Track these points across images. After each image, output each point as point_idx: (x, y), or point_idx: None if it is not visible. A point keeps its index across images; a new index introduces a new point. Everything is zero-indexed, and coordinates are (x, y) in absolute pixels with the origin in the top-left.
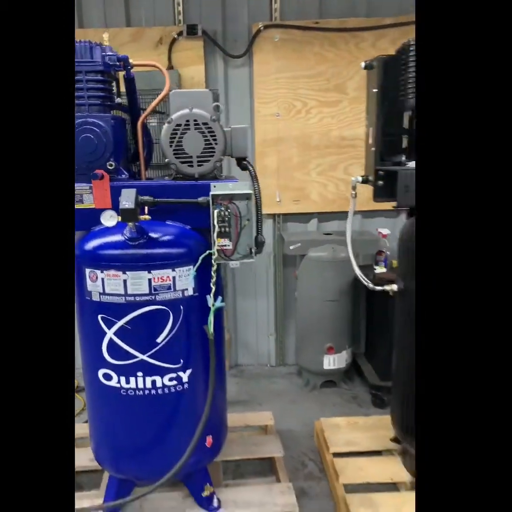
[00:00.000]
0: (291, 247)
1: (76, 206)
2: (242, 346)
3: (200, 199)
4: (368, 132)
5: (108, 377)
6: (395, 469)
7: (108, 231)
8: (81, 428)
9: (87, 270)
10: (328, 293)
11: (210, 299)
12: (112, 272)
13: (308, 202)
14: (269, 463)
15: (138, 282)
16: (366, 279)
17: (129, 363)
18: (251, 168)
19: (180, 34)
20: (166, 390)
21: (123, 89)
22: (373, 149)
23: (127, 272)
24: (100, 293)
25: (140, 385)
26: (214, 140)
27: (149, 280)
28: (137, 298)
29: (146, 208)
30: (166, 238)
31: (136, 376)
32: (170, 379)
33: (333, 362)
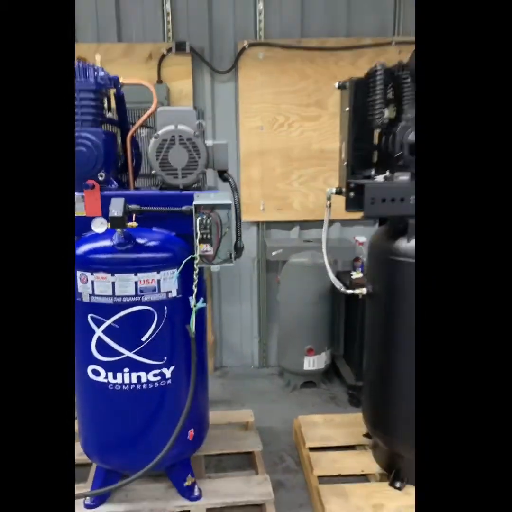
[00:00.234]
0: (273, 253)
1: None
2: (227, 348)
3: (184, 208)
4: (341, 147)
5: (96, 373)
6: (367, 462)
7: (98, 237)
8: None
9: (78, 273)
10: (308, 297)
11: (192, 300)
12: (101, 274)
13: (290, 211)
14: (249, 458)
15: (125, 284)
16: (338, 283)
17: (116, 360)
18: (231, 180)
19: (169, 50)
20: (151, 385)
21: (113, 104)
22: (345, 163)
23: (115, 275)
24: (90, 294)
25: (126, 381)
26: (197, 154)
27: (136, 282)
28: (124, 299)
29: (133, 215)
30: (151, 243)
31: (122, 372)
32: (155, 375)
33: (313, 363)
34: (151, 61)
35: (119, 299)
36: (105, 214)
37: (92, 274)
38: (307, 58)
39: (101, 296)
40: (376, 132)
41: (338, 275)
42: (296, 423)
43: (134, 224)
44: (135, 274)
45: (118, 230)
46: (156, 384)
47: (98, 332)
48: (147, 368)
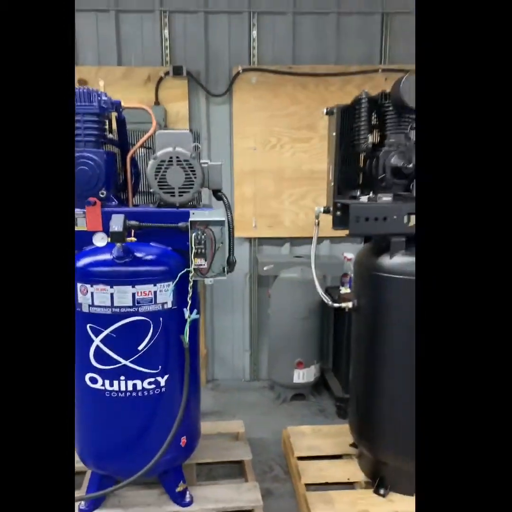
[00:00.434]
0: (265, 268)
1: None
2: (219, 361)
3: (180, 224)
4: (329, 169)
5: (94, 380)
6: (353, 471)
7: (98, 250)
8: None
9: (79, 285)
10: (298, 311)
11: (186, 311)
12: (101, 286)
13: (281, 228)
14: (239, 467)
15: (123, 295)
16: (325, 296)
17: (113, 368)
18: (225, 199)
19: (166, 73)
20: (146, 393)
21: (114, 125)
22: (332, 184)
23: (114, 287)
24: (89, 305)
25: (123, 388)
26: (194, 174)
27: (133, 294)
28: (122, 310)
29: (132, 231)
30: (149, 257)
31: (119, 380)
32: (149, 383)
33: (302, 376)
34: (149, 83)
35: (117, 310)
36: (105, 229)
37: (92, 286)
38: (299, 83)
39: (100, 306)
40: (361, 156)
41: (327, 290)
42: (285, 433)
43: (133, 239)
44: (133, 286)
45: (118, 244)
46: (151, 392)
47: (97, 341)
48: (143, 376)
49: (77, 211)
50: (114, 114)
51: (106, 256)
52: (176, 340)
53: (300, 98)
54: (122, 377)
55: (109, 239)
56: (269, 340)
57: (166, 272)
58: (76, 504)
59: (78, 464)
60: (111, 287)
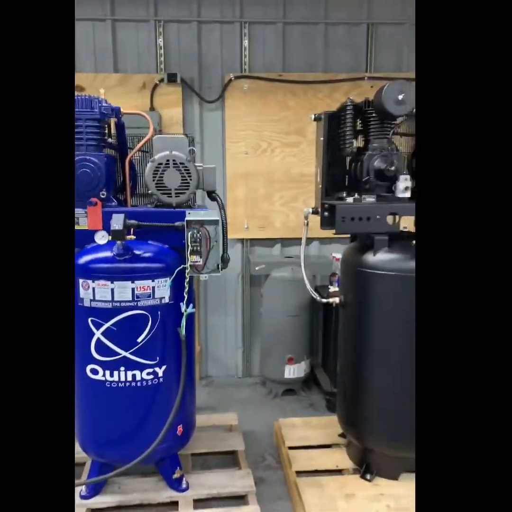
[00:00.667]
0: (256, 268)
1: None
2: (212, 358)
3: (177, 223)
4: (316, 172)
5: (95, 371)
6: (341, 459)
7: (98, 248)
8: None
9: (81, 280)
10: (289, 309)
11: (183, 306)
12: (102, 282)
13: (272, 229)
14: (233, 457)
15: (123, 290)
16: (314, 293)
17: (113, 359)
18: (219, 199)
19: (161, 80)
20: (144, 383)
21: (113, 130)
22: (320, 186)
23: (114, 282)
24: (91, 300)
25: (122, 378)
26: (189, 176)
27: (133, 289)
28: (122, 304)
29: (132, 229)
30: (147, 254)
31: (119, 370)
32: (148, 374)
33: (293, 372)
34: (144, 90)
35: (118, 304)
36: (106, 228)
37: (93, 282)
38: (288, 90)
39: (101, 301)
40: (347, 159)
41: (316, 289)
42: (276, 425)
43: (132, 237)
44: (132, 282)
45: (118, 242)
46: (150, 382)
47: (98, 334)
48: (141, 367)
49: (79, 211)
50: (113, 120)
51: (107, 254)
52: (173, 333)
53: (290, 104)
54: (122, 368)
55: (110, 237)
56: (261, 337)
57: (164, 269)
58: (77, 490)
59: (78, 455)
60: (112, 282)
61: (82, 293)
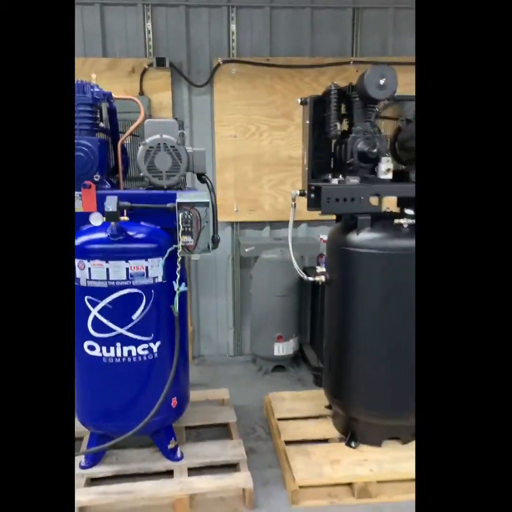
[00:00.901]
0: (246, 250)
1: None
2: (204, 338)
3: (168, 205)
4: (303, 154)
5: (92, 348)
6: (327, 428)
7: (93, 229)
8: None
9: (77, 261)
10: (278, 289)
11: (175, 284)
12: (97, 262)
13: (261, 212)
14: (225, 430)
15: (118, 270)
16: (302, 273)
17: (110, 336)
18: (208, 182)
19: (150, 65)
20: (140, 358)
21: (105, 115)
22: (306, 168)
23: (109, 262)
24: (87, 279)
25: (119, 354)
26: (180, 159)
27: (127, 268)
28: (117, 283)
29: (125, 211)
30: (140, 235)
31: (115, 346)
32: (143, 349)
33: (282, 349)
34: (133, 74)
35: (113, 283)
36: (100, 210)
37: (89, 262)
38: (276, 74)
39: (97, 280)
40: (332, 142)
41: (304, 270)
42: (266, 399)
43: (126, 218)
44: (127, 261)
45: (112, 223)
46: (145, 358)
47: (94, 311)
48: (137, 343)
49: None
50: (105, 104)
51: (102, 235)
52: (167, 311)
53: (277, 88)
54: (118, 344)
55: (104, 219)
56: (251, 317)
57: (157, 249)
58: (77, 460)
59: (76, 430)
60: (107, 262)
61: (78, 273)
